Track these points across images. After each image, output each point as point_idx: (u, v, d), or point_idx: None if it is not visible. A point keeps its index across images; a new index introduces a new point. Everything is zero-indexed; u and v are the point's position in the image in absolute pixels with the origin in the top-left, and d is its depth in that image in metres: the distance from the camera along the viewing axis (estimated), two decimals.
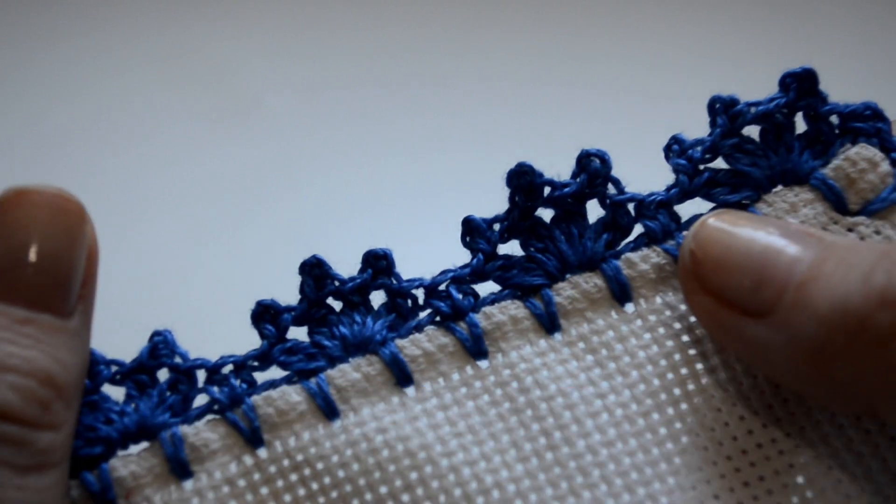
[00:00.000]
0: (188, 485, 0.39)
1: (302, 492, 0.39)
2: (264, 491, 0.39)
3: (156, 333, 0.41)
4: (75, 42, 1.08)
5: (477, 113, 1.02)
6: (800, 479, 0.39)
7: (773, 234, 0.38)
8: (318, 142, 1.03)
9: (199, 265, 0.93)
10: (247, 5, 1.10)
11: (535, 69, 1.06)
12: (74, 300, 0.38)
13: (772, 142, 0.43)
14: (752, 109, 0.43)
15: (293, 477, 0.39)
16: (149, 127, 1.03)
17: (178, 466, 0.39)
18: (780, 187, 0.43)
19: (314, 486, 0.39)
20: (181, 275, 0.94)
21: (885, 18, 1.02)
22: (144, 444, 0.40)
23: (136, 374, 0.41)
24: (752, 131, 0.43)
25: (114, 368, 0.41)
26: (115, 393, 0.41)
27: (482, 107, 1.03)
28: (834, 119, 0.43)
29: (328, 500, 0.39)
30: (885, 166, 0.42)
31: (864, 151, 0.42)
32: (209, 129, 1.03)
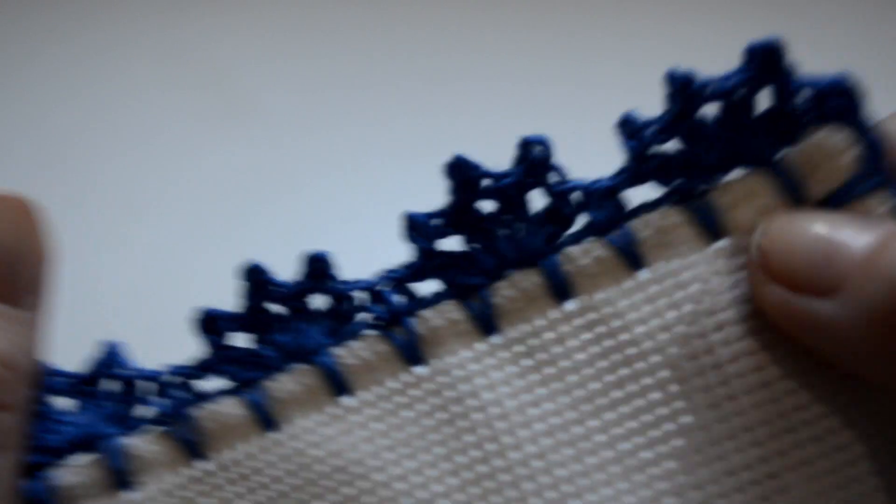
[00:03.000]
0: (129, 496, 0.40)
1: None
2: (204, 502, 0.40)
3: (105, 345, 0.42)
4: (75, 42, 1.09)
5: (477, 113, 1.00)
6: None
7: (840, 219, 0.37)
8: (317, 142, 1.03)
9: (198, 264, 0.94)
10: (247, 5, 1.10)
11: (534, 70, 1.05)
12: (26, 290, 0.39)
13: (731, 123, 0.39)
14: (710, 87, 0.38)
15: (232, 489, 0.40)
16: (148, 127, 1.04)
17: (120, 477, 0.40)
18: (739, 173, 0.39)
19: (251, 499, 0.39)
20: (180, 274, 0.94)
21: (886, 18, 0.96)
22: (86, 455, 0.40)
23: (83, 384, 0.41)
24: (713, 110, 0.39)
25: (61, 379, 0.41)
26: (63, 404, 0.42)
27: (482, 107, 1.02)
28: (803, 96, 0.38)
29: None
30: (852, 152, 0.37)
31: (831, 135, 0.37)
32: (209, 129, 1.04)
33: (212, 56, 1.07)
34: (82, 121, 1.05)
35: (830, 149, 0.37)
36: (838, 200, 0.38)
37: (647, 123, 0.39)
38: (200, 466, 0.40)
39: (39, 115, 1.05)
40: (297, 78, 1.07)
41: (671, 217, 0.39)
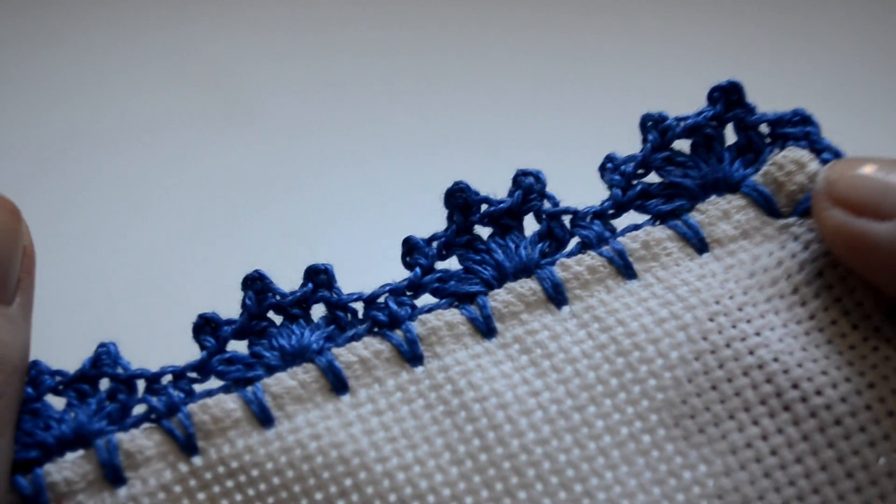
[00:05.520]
0: (122, 492, 0.39)
1: (238, 497, 0.39)
2: (201, 497, 0.39)
3: (100, 345, 0.42)
4: (75, 42, 1.09)
5: (477, 113, 1.02)
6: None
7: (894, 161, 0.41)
8: (317, 142, 1.03)
9: (198, 264, 0.93)
10: (247, 5, 1.12)
11: (534, 70, 1.07)
12: (13, 289, 0.40)
13: (703, 153, 0.44)
14: (682, 123, 0.44)
15: (229, 483, 0.39)
16: (149, 126, 1.03)
17: (112, 473, 0.39)
18: (713, 196, 0.44)
19: (250, 492, 0.39)
20: (180, 273, 0.93)
21: (886, 18, 1.02)
22: (81, 452, 0.40)
23: (78, 383, 0.41)
24: (686, 146, 0.44)
25: (58, 378, 0.42)
26: (60, 403, 0.41)
27: (482, 107, 1.03)
28: (764, 128, 0.44)
29: None
30: (814, 165, 0.42)
31: (790, 154, 0.43)
32: (209, 128, 1.03)
33: (212, 56, 1.07)
34: (83, 120, 1.03)
35: (793, 162, 0.42)
36: (803, 209, 0.42)
37: (628, 159, 0.44)
38: (197, 461, 0.39)
39: (40, 114, 1.03)
40: (297, 78, 1.06)
41: (655, 233, 0.43)
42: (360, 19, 1.11)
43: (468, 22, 1.10)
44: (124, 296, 0.90)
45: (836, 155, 0.43)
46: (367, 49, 1.08)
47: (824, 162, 0.42)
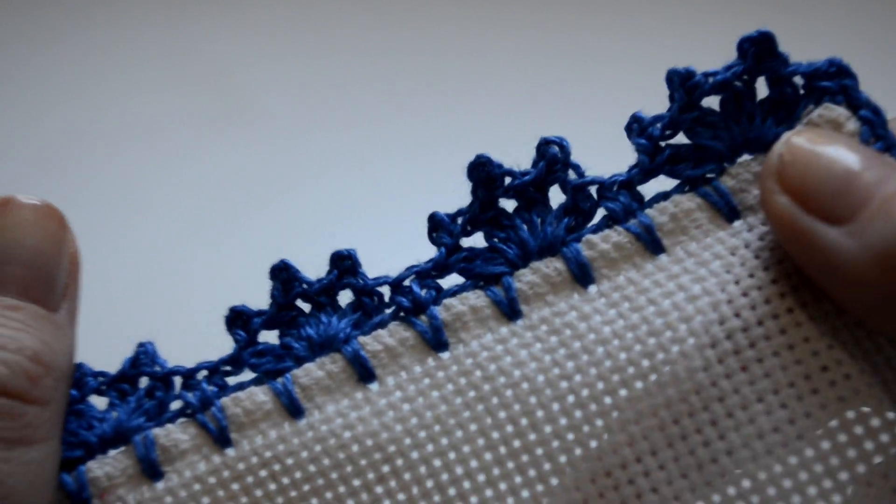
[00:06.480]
0: (160, 485, 0.40)
1: (273, 486, 0.40)
2: (235, 487, 0.40)
3: (139, 345, 0.43)
4: (75, 42, 1.10)
5: (476, 113, 1.01)
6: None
7: (868, 153, 0.37)
8: (317, 141, 1.03)
9: (198, 264, 0.94)
10: (247, 5, 1.11)
11: (534, 71, 1.05)
12: (60, 295, 0.41)
13: (733, 111, 0.41)
14: (710, 80, 0.41)
15: (262, 473, 0.40)
16: (148, 127, 1.04)
17: (150, 467, 0.40)
18: (745, 157, 0.41)
19: (285, 480, 0.40)
20: (180, 273, 0.94)
21: (886, 18, 0.98)
22: (122, 448, 0.41)
23: (119, 383, 0.43)
24: (715, 102, 0.42)
25: (100, 379, 0.43)
26: (102, 402, 0.43)
27: (482, 107, 1.02)
28: (798, 80, 0.41)
29: (300, 494, 0.40)
30: (851, 125, 0.39)
31: (826, 113, 0.40)
32: (209, 128, 1.04)
33: (212, 56, 1.08)
34: (83, 120, 1.05)
35: (830, 123, 0.39)
36: None
37: (655, 120, 0.42)
38: (230, 453, 0.40)
39: (40, 114, 1.05)
40: (296, 78, 1.07)
41: (683, 203, 0.41)
42: (360, 19, 1.10)
43: (468, 22, 1.09)
44: (124, 296, 0.91)
45: (876, 112, 0.39)
46: (367, 49, 1.08)
47: (862, 120, 0.39)
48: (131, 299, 0.91)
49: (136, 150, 1.04)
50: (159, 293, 0.93)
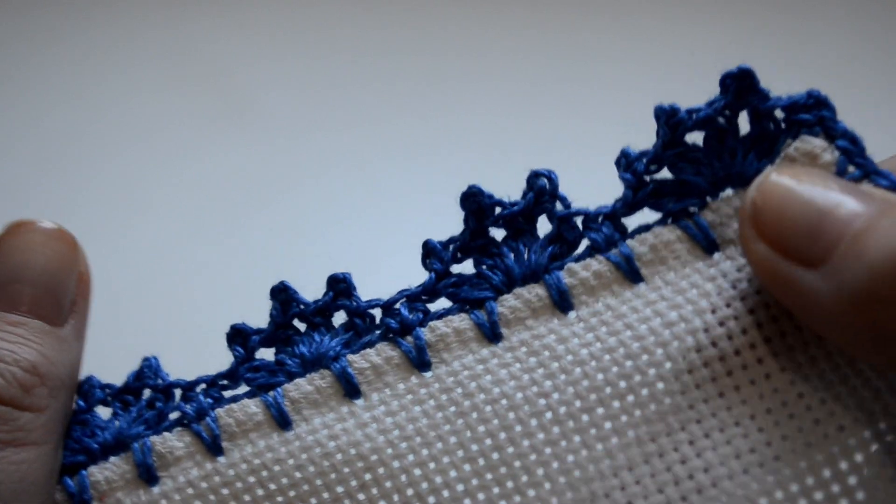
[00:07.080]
0: (155, 489, 0.43)
1: (260, 492, 0.42)
2: (225, 492, 0.42)
3: (144, 359, 0.46)
4: (75, 42, 1.11)
5: (477, 113, 1.01)
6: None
7: (834, 189, 0.37)
8: (317, 142, 1.03)
9: (198, 264, 0.94)
10: (247, 5, 1.12)
11: (533, 71, 1.05)
12: (66, 312, 0.44)
13: (715, 147, 0.42)
14: (693, 116, 0.43)
15: (251, 479, 0.42)
16: (148, 126, 1.05)
17: (146, 472, 0.43)
18: (727, 191, 0.42)
19: (272, 486, 0.42)
20: (180, 273, 0.95)
21: (886, 18, 0.97)
22: (121, 454, 0.44)
23: (123, 394, 0.45)
24: (700, 138, 0.43)
25: (106, 391, 0.46)
26: (108, 413, 0.45)
27: (482, 107, 1.02)
28: (779, 113, 0.42)
29: (286, 499, 0.41)
30: (828, 156, 0.40)
31: (802, 145, 0.41)
32: (209, 128, 1.04)
33: (212, 56, 1.08)
34: (83, 120, 1.05)
35: (806, 156, 0.40)
36: None
37: (641, 155, 0.43)
38: (221, 460, 0.42)
39: (40, 114, 1.06)
40: (296, 78, 1.07)
41: (664, 235, 0.42)
42: (360, 19, 1.10)
43: (468, 22, 1.09)
44: (124, 295, 0.91)
45: (853, 141, 0.40)
46: (367, 49, 1.08)
47: (840, 150, 0.40)
48: (131, 299, 0.92)
49: (136, 150, 1.05)
50: (159, 293, 0.94)
